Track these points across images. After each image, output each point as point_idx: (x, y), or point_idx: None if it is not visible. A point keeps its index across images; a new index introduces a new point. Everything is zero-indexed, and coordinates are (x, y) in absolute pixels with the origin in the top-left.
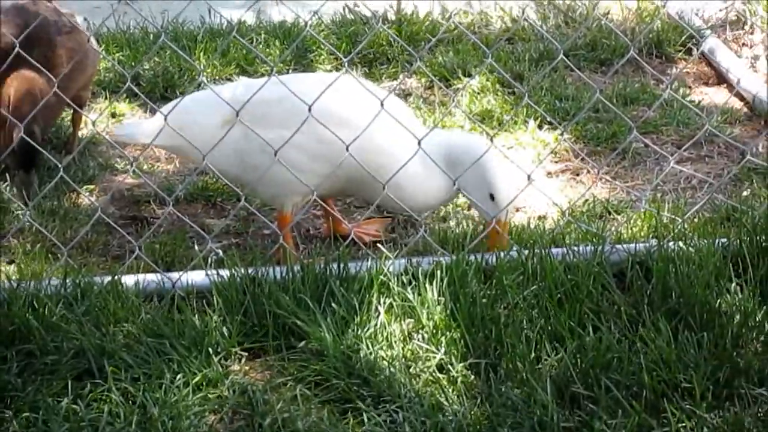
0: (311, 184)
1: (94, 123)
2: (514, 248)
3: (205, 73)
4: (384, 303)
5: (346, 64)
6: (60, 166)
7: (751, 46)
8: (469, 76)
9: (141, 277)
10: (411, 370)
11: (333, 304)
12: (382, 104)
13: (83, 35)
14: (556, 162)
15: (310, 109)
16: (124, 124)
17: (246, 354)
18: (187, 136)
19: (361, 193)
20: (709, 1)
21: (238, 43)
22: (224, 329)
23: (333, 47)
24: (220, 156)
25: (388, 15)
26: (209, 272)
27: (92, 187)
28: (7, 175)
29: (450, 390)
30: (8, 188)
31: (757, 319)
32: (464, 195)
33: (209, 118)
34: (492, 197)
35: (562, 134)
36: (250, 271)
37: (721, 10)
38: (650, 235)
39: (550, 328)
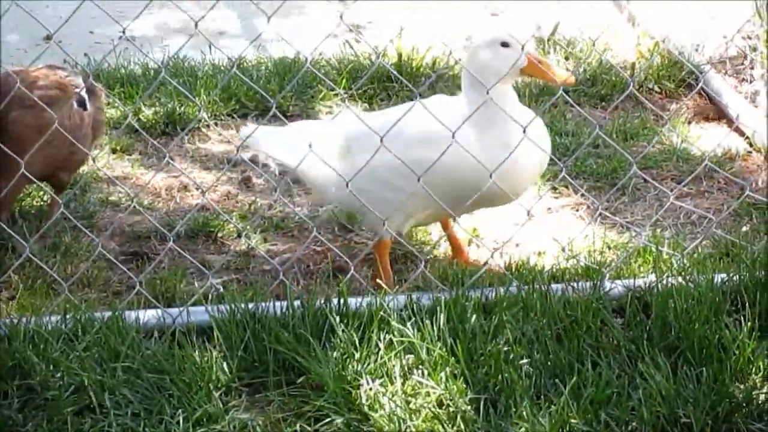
0: (411, 207)
1: (94, 159)
2: (514, 284)
3: (205, 109)
4: (384, 339)
5: (346, 100)
6: (61, 202)
7: (750, 81)
8: None
9: (141, 312)
10: (411, 405)
11: (333, 340)
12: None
13: (49, 115)
14: (556, 197)
15: (381, 139)
16: (253, 127)
17: (246, 389)
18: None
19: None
20: (709, 36)
21: (239, 78)
22: (224, 365)
23: (333, 83)
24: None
25: (388, 50)
26: (209, 308)
27: (93, 222)
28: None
29: (450, 425)
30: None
31: (756, 354)
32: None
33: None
34: (505, 44)
35: (562, 170)
36: (250, 306)
37: (720, 46)
38: (649, 271)
39: (549, 363)
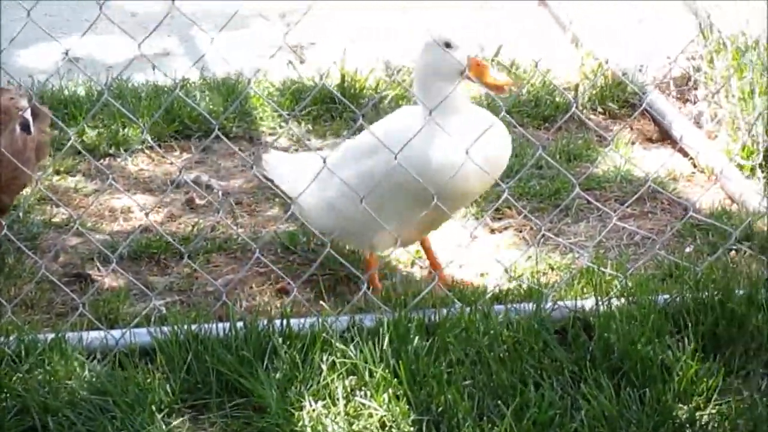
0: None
1: (38, 181)
2: (457, 305)
3: (148, 131)
4: (327, 360)
5: (289, 122)
6: (4, 224)
7: (694, 102)
8: None
9: (85, 334)
10: (354, 426)
11: (276, 361)
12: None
13: None
14: (499, 218)
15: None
16: (274, 154)
17: (189, 411)
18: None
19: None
20: (652, 57)
21: (182, 100)
22: (167, 386)
23: (276, 104)
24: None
25: (331, 71)
26: (152, 329)
27: (36, 244)
28: None
29: None
30: None
31: (699, 375)
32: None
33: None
34: (448, 45)
35: (504, 191)
36: (193, 328)
37: (664, 66)
38: (592, 292)
39: (492, 384)
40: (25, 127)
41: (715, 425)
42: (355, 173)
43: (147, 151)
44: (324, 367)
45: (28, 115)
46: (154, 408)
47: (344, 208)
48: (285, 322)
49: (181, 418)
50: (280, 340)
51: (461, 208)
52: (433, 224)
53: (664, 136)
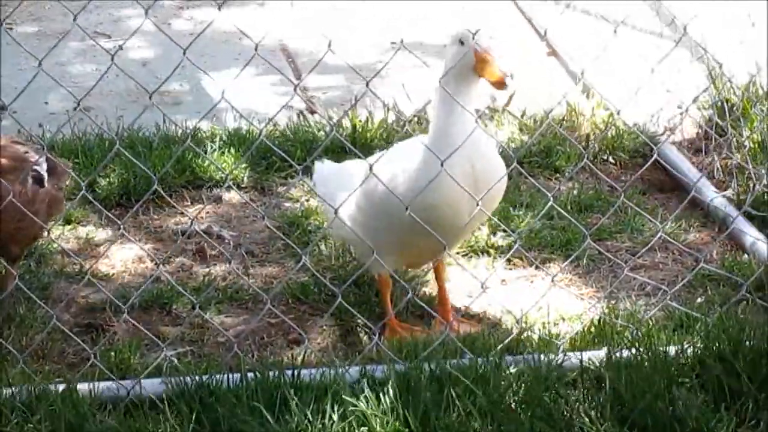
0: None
1: (49, 231)
2: (467, 356)
3: (159, 181)
4: (338, 411)
5: (300, 172)
6: (16, 274)
7: (705, 152)
8: None
9: (96, 384)
10: None
11: (287, 412)
12: None
13: None
14: (510, 269)
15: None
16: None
17: None
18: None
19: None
20: (664, 107)
21: (193, 150)
22: None
23: (287, 154)
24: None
25: (343, 122)
26: (163, 380)
27: (48, 294)
28: None
29: None
30: None
31: (710, 425)
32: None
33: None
34: (462, 42)
35: (516, 241)
36: (204, 378)
37: (675, 116)
38: (603, 343)
39: None
40: (38, 181)
41: None
42: (357, 193)
43: (158, 201)
44: (335, 417)
45: (42, 169)
46: None
47: (350, 224)
48: (296, 372)
49: None
50: (291, 391)
51: (458, 235)
52: (434, 252)
53: (675, 187)
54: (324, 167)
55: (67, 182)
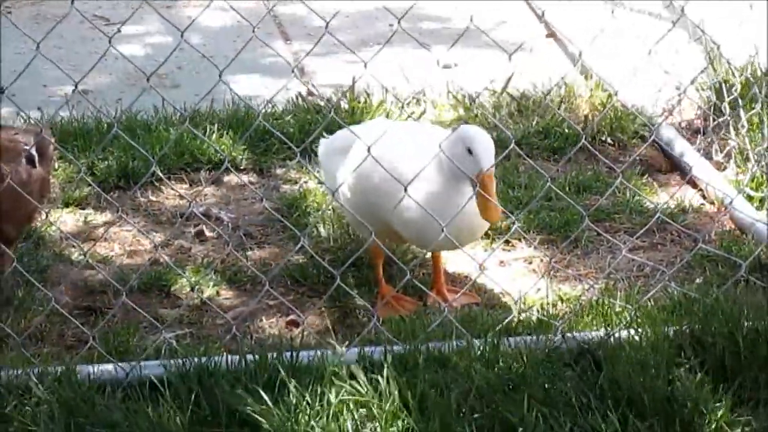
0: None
1: (47, 214)
2: (466, 337)
3: (158, 163)
4: (336, 393)
5: (298, 154)
6: (13, 256)
7: (704, 133)
8: None
9: (95, 367)
10: None
11: (285, 394)
12: None
13: None
14: (509, 250)
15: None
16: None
17: None
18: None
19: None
20: (663, 88)
21: (191, 132)
22: (177, 419)
23: (286, 136)
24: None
25: (341, 104)
26: (162, 362)
27: (46, 276)
28: None
29: None
30: None
31: (708, 406)
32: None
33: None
34: (470, 151)
35: (514, 223)
36: (203, 360)
37: (673, 98)
38: (602, 324)
39: (500, 416)
40: (30, 161)
41: None
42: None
43: (157, 183)
44: (333, 399)
45: (33, 150)
46: None
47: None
48: (294, 354)
49: None
50: (290, 372)
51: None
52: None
53: (674, 168)
54: (329, 142)
55: (58, 161)
